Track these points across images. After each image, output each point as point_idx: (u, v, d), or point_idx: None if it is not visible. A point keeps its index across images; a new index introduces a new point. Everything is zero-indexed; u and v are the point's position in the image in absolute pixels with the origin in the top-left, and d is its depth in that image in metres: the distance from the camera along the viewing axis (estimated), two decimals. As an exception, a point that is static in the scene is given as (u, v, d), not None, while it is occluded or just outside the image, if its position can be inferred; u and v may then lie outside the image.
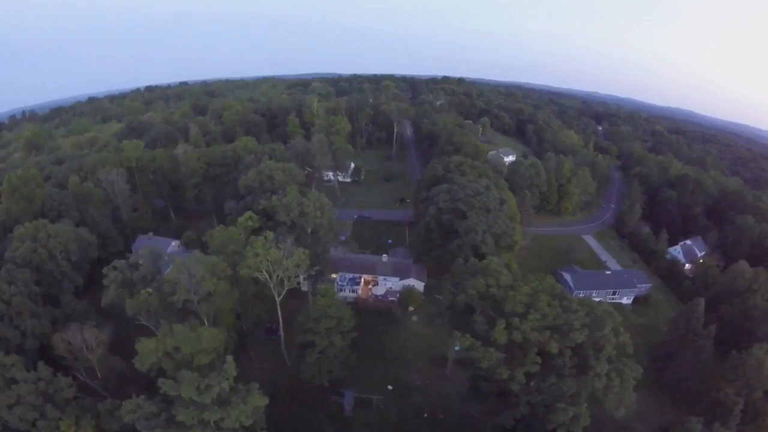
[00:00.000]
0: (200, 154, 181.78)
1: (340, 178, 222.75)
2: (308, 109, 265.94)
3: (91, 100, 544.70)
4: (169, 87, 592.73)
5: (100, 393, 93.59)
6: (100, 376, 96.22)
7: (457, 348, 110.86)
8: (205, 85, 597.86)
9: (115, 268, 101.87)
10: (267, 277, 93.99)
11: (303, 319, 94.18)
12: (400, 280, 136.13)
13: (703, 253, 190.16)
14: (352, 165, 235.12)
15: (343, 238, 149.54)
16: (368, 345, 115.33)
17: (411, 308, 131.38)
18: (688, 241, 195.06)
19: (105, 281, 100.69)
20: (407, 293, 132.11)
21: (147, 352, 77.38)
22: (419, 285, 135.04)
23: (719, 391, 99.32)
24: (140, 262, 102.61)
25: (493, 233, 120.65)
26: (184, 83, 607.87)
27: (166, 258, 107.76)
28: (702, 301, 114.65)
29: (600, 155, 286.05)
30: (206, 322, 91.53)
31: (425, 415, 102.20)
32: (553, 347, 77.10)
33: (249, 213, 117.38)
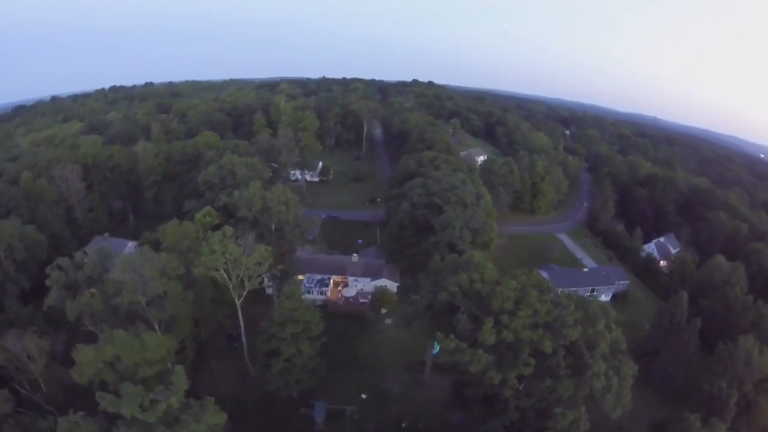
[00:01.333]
0: (159, 150, 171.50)
1: (308, 178, 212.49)
2: (275, 108, 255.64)
3: (54, 100, 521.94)
4: (134, 88, 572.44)
5: (44, 408, 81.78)
6: (44, 389, 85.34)
7: (435, 351, 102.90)
8: (171, 86, 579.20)
9: (59, 267, 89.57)
10: (225, 277, 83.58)
11: (266, 324, 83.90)
12: (371, 280, 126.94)
13: (677, 249, 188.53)
14: (320, 164, 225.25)
15: (312, 237, 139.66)
16: (339, 351, 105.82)
17: (384, 310, 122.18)
18: (662, 238, 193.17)
19: (47, 282, 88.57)
20: (380, 294, 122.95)
21: (86, 361, 66.43)
22: (392, 286, 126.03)
23: (713, 385, 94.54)
24: (85, 261, 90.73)
25: (470, 228, 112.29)
26: (149, 84, 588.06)
27: (115, 257, 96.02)
28: (685, 294, 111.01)
29: (570, 156, 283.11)
30: (156, 329, 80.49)
31: (404, 425, 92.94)
32: (547, 346, 69.04)
33: (207, 208, 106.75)
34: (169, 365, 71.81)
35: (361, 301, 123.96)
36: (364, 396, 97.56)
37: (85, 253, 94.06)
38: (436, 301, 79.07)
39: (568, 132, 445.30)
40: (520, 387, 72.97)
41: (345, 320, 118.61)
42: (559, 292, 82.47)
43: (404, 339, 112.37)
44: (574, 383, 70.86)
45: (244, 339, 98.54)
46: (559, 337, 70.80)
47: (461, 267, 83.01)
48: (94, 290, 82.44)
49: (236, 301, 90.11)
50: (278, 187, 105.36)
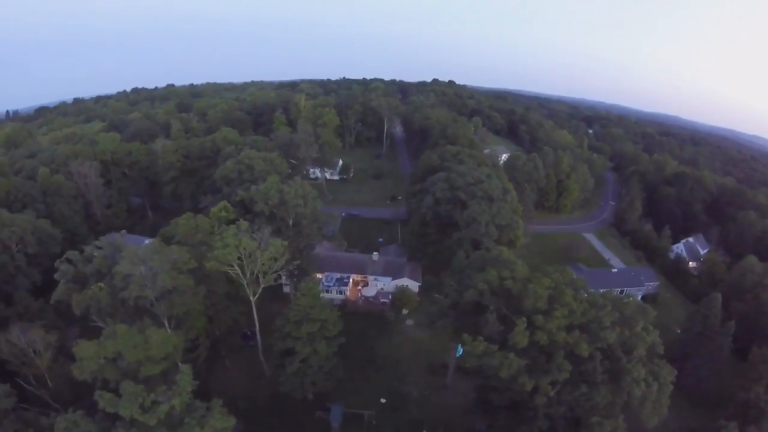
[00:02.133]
0: (178, 146, 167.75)
1: (328, 176, 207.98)
2: (295, 106, 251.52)
3: (76, 102, 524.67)
4: (155, 89, 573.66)
5: (50, 404, 78.25)
6: (51, 385, 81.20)
7: (458, 354, 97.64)
8: (192, 87, 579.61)
9: (68, 260, 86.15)
10: (239, 272, 79.03)
11: (281, 322, 79.24)
12: (392, 279, 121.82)
13: (705, 250, 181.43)
14: (340, 162, 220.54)
15: (331, 233, 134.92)
16: (358, 352, 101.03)
17: (405, 311, 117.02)
18: (690, 239, 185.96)
19: (56, 275, 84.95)
20: (401, 294, 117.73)
21: (87, 357, 62.30)
22: (414, 285, 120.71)
23: (748, 391, 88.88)
24: (95, 254, 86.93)
25: (496, 225, 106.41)
26: (170, 85, 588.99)
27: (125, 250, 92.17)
28: (719, 296, 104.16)
29: (595, 154, 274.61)
30: (166, 325, 76.24)
31: (424, 431, 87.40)
32: (584, 350, 63.23)
33: (223, 203, 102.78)
34: (178, 363, 67.26)
35: (382, 300, 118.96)
36: (383, 400, 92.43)
37: (95, 246, 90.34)
38: (461, 300, 73.74)
39: (591, 131, 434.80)
40: (552, 394, 67.23)
41: (364, 320, 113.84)
42: (595, 290, 76.56)
43: (425, 341, 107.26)
44: (611, 390, 65.10)
45: (258, 338, 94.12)
46: (596, 340, 65.00)
47: (489, 263, 77.39)
48: (102, 284, 78.47)
49: (251, 298, 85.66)
50: (296, 181, 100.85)
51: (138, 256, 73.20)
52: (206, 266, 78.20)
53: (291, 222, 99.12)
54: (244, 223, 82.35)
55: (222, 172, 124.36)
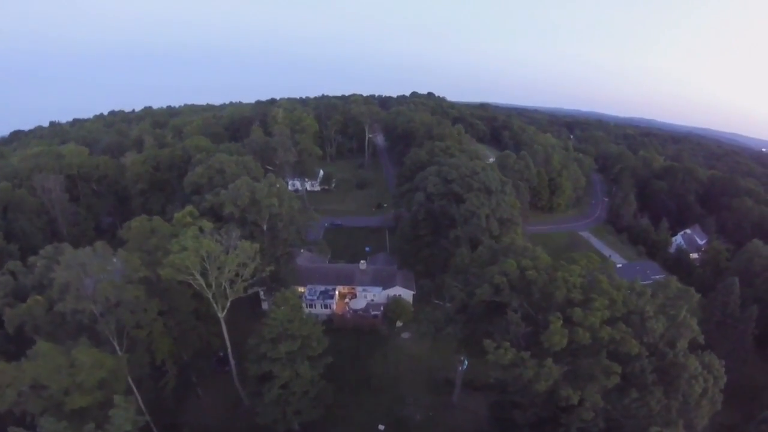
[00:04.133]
0: (146, 157, 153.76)
1: (309, 186, 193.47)
2: (273, 119, 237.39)
3: (53, 125, 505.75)
4: (132, 112, 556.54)
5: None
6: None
7: (463, 367, 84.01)
8: (170, 109, 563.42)
9: (10, 272, 72.88)
10: (202, 282, 64.47)
11: (255, 341, 64.49)
12: (383, 290, 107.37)
13: (704, 240, 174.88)
14: (321, 172, 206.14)
15: (312, 238, 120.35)
16: (349, 373, 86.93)
17: (399, 323, 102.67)
18: (688, 230, 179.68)
19: None
20: (393, 305, 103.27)
21: (4, 384, 47.44)
22: (407, 294, 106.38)
23: None
24: (38, 263, 72.10)
25: (498, 219, 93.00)
26: (148, 108, 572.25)
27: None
28: (736, 280, 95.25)
29: (581, 154, 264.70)
30: (116, 347, 61.27)
31: (431, 461, 73.11)
32: (633, 346, 49.71)
33: (189, 208, 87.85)
34: (116, 395, 52.10)
35: (373, 313, 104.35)
36: (381, 427, 77.44)
37: (41, 255, 75.34)
38: (471, 301, 59.68)
39: (572, 136, 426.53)
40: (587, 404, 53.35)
41: (354, 336, 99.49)
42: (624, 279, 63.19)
43: (425, 355, 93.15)
44: (663, 391, 51.46)
45: (232, 361, 79.18)
46: (642, 333, 51.73)
47: (502, 255, 63.62)
48: (39, 297, 63.42)
49: (219, 314, 70.90)
50: (269, 178, 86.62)
51: (77, 261, 58.31)
52: (161, 274, 63.37)
53: (265, 226, 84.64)
54: (207, 224, 68.28)
55: (191, 179, 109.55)
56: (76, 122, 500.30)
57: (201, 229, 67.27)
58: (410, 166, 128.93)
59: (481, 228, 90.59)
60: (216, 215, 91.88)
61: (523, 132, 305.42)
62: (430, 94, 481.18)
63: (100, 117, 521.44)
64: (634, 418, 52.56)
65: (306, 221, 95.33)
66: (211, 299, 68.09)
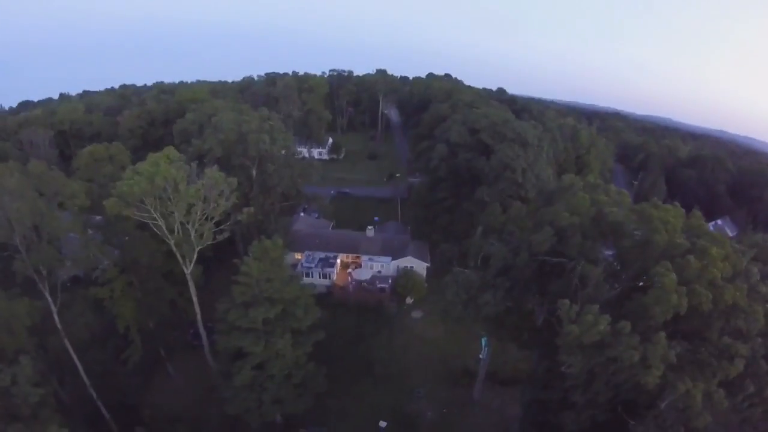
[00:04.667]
0: (141, 112, 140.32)
1: (316, 155, 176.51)
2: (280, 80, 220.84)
3: (62, 97, 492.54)
4: (144, 86, 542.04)
5: None
6: None
7: (483, 354, 67.91)
8: (183, 84, 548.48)
9: None
10: (160, 222, 48.16)
11: (224, 306, 48.11)
12: (392, 260, 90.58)
13: (734, 233, 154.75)
14: (330, 140, 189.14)
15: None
16: (347, 356, 70.87)
17: (410, 300, 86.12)
18: (719, 221, 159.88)
19: None
20: (404, 279, 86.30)
21: None
22: (421, 267, 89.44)
23: None
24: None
25: (536, 176, 75.96)
26: (160, 83, 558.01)
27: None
28: None
29: (604, 140, 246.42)
30: (49, 300, 45.52)
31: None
32: (758, 317, 33.99)
33: (169, 148, 71.42)
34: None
35: (379, 286, 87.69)
36: (383, 424, 60.88)
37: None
38: (517, 260, 42.49)
39: (590, 126, 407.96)
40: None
41: (356, 313, 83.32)
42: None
43: (440, 339, 76.84)
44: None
45: (202, 332, 63.05)
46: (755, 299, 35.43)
47: (557, 196, 47.00)
48: None
49: (185, 268, 54.63)
50: (261, 111, 69.93)
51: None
52: (105, 207, 47.03)
53: (254, 171, 67.95)
54: (174, 152, 51.74)
55: (180, 126, 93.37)
56: (85, 94, 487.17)
57: (167, 157, 51.00)
58: (429, 122, 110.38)
59: (516, 184, 73.41)
60: (203, 162, 75.83)
61: (543, 115, 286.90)
62: (447, 75, 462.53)
63: (111, 90, 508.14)
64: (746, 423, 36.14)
65: (304, 168, 78.52)
66: (174, 248, 51.76)
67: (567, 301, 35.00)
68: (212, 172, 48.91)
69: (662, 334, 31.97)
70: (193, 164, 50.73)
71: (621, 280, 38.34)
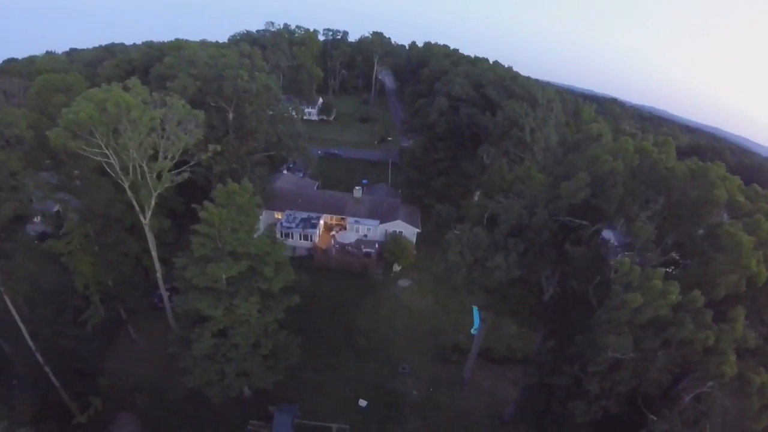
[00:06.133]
0: (119, 61, 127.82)
1: (304, 115, 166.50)
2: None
3: (48, 54, 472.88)
4: (134, 45, 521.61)
5: None
6: None
7: (473, 330, 61.39)
8: (177, 41, 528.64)
9: None
10: (113, 162, 39.76)
11: (181, 261, 39.99)
12: (380, 224, 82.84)
13: None
14: (321, 100, 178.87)
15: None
16: (326, 326, 63.69)
17: (398, 267, 78.64)
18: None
19: None
20: (392, 244, 78.46)
21: None
22: (410, 233, 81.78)
23: None
24: None
25: (545, 137, 67.98)
26: (150, 42, 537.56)
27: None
28: None
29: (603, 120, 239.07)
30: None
31: (430, 460, 50.11)
32: None
33: (132, 79, 62.07)
34: None
35: (365, 251, 79.90)
36: (363, 403, 53.83)
37: None
38: (534, 220, 34.68)
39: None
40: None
41: (339, 278, 75.49)
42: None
43: (429, 311, 69.72)
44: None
45: (163, 293, 55.14)
46: None
47: (581, 146, 39.24)
48: None
49: (141, 217, 46.41)
50: (241, 46, 60.94)
51: None
52: (49, 137, 38.43)
53: (231, 115, 59.15)
54: (136, 82, 42.98)
55: (157, 70, 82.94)
56: (72, 52, 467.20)
57: (125, 86, 42.33)
58: (429, 77, 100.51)
59: (523, 144, 65.25)
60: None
61: (543, 90, 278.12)
62: (445, 46, 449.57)
63: (98, 48, 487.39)
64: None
65: (287, 113, 69.57)
66: (129, 192, 43.35)
67: (626, 259, 27.40)
68: (175, 100, 40.36)
69: (741, 308, 24.76)
70: (155, 94, 42.04)
71: (666, 247, 30.83)
